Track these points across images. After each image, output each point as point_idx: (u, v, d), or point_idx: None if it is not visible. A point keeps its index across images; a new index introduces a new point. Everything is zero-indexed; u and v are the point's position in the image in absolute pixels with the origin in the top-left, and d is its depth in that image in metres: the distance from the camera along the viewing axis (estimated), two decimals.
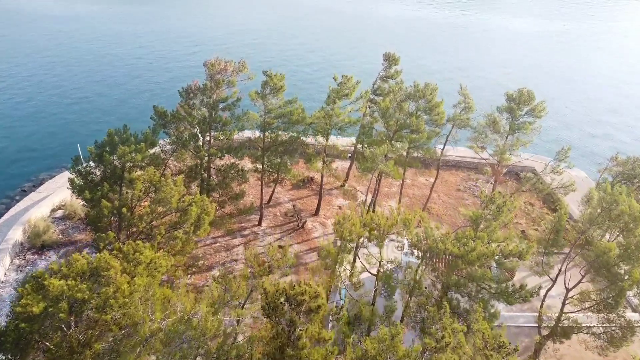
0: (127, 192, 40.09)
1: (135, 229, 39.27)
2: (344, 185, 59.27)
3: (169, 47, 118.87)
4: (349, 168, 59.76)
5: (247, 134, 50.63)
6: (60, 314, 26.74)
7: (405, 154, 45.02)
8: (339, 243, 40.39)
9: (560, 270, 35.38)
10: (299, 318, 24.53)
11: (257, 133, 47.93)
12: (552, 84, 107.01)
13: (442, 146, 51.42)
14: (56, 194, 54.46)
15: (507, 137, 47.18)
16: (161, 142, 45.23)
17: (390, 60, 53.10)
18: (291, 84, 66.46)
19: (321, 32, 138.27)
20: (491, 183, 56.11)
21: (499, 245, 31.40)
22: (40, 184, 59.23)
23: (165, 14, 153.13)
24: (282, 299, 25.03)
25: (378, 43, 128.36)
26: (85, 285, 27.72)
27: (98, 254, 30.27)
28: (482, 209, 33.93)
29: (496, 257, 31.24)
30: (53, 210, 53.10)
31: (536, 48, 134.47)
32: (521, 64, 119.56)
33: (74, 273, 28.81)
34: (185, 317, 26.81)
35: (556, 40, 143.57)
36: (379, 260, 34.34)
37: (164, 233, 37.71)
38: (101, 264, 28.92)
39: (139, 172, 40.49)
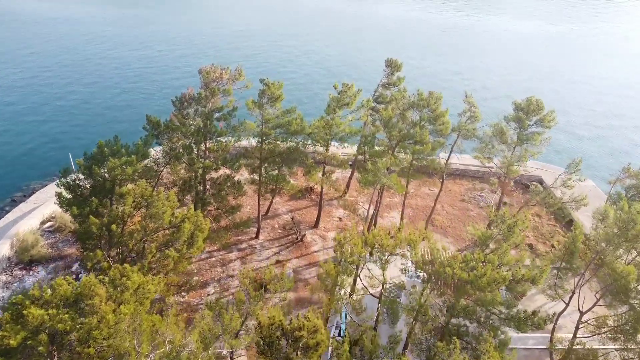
0: (117, 208, 38.26)
1: (125, 247, 37.42)
2: (345, 195, 57.35)
3: (166, 51, 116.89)
4: (350, 178, 57.85)
5: (244, 142, 48.71)
6: (40, 347, 24.92)
7: (408, 165, 43.05)
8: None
9: (573, 292, 33.43)
10: (297, 355, 22.64)
11: (254, 142, 46.09)
12: (555, 87, 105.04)
13: (446, 156, 49.49)
14: (46, 205, 52.54)
15: (514, 148, 45.24)
16: (154, 152, 43.31)
17: (392, 66, 51.21)
18: (289, 91, 64.48)
19: (321, 36, 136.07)
20: (496, 193, 54.17)
21: (509, 269, 29.50)
22: (31, 194, 57.35)
23: (164, 16, 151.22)
24: (278, 334, 23.17)
25: (379, 46, 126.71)
26: (67, 315, 25.92)
27: (84, 277, 28.56)
28: (491, 227, 32.01)
29: None
30: (43, 223, 51.19)
31: (539, 51, 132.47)
32: (524, 67, 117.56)
33: (57, 299, 27.05)
34: (174, 352, 24.89)
35: (559, 43, 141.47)
36: (382, 282, 32.44)
37: (155, 252, 35.84)
38: (85, 291, 27.13)
39: (130, 186, 38.58)
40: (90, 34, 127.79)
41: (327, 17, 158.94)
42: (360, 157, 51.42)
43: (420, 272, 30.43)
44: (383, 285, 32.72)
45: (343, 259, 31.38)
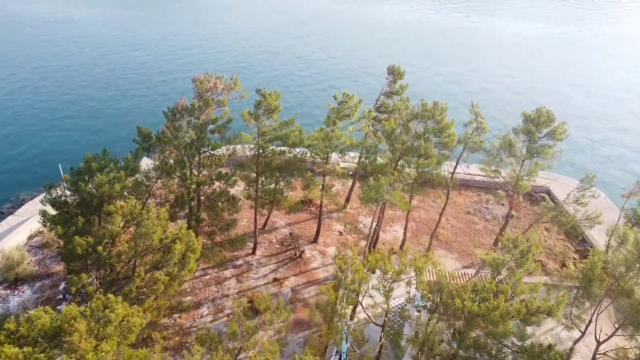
0: (104, 227, 36.18)
1: (112, 269, 35.34)
2: (345, 207, 55.19)
3: (163, 56, 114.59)
4: (351, 189, 55.70)
5: (239, 152, 46.54)
6: None
7: (412, 181, 40.87)
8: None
9: (590, 320, 31.28)
10: None
11: (250, 149, 43.86)
12: (559, 91, 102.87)
13: (451, 168, 47.27)
14: (35, 219, 50.27)
15: (523, 161, 43.08)
16: (145, 165, 41.17)
17: (395, 74, 49.11)
18: (286, 99, 62.23)
19: (319, 40, 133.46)
20: (503, 206, 52.01)
21: (523, 300, 27.38)
22: (20, 205, 55.27)
23: (159, 21, 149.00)
24: None
25: (379, 50, 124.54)
26: (43, 355, 23.89)
27: (65, 307, 26.53)
28: (498, 244, 29.89)
29: None
30: (30, 237, 49.08)
31: (543, 53, 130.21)
32: (528, 70, 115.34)
33: (34, 333, 25.06)
34: None
35: (563, 45, 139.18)
36: (386, 310, 30.30)
37: (144, 275, 33.75)
38: (64, 326, 25.10)
39: (118, 204, 36.43)
40: (83, 39, 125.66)
41: (326, 20, 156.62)
42: (361, 170, 49.17)
43: (426, 301, 28.30)
44: (386, 314, 30.61)
45: (343, 287, 29.23)
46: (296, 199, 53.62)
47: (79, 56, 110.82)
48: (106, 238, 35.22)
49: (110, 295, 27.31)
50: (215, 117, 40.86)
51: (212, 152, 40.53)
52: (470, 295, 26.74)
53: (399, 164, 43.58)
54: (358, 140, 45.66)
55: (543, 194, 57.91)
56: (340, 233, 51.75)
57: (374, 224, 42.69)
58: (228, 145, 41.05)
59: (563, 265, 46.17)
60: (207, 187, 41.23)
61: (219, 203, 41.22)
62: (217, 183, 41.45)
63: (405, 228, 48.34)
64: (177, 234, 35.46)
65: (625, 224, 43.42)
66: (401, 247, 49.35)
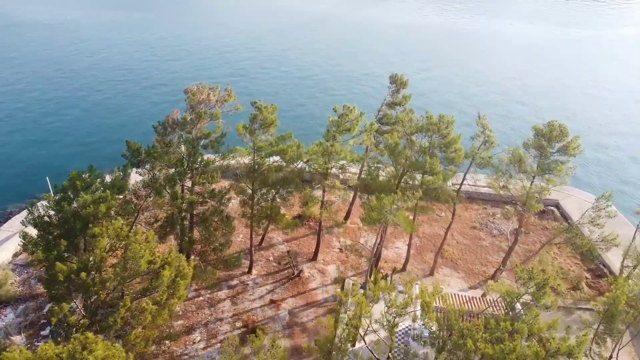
0: (88, 252, 33.98)
1: (97, 297, 33.02)
2: (346, 222, 52.85)
3: (158, 63, 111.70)
4: (351, 203, 53.34)
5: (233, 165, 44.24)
6: None
7: (417, 201, 38.51)
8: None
9: (610, 357, 28.99)
10: None
11: (244, 163, 41.71)
12: (566, 96, 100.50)
13: (457, 181, 45.06)
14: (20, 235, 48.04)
15: (534, 178, 40.75)
16: (134, 182, 38.89)
17: (397, 83, 46.79)
18: (283, 110, 60.09)
19: (318, 45, 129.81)
20: (510, 222, 49.67)
21: (541, 339, 25.10)
22: (7, 219, 52.98)
23: (153, 26, 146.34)
24: None
25: (380, 55, 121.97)
26: None
27: (40, 346, 24.42)
28: (515, 280, 27.60)
29: None
30: (15, 255, 46.79)
31: (548, 57, 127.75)
32: (533, 75, 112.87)
33: None
34: None
35: (568, 48, 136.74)
36: (390, 346, 28.04)
37: (129, 304, 31.45)
38: None
39: (104, 225, 34.11)
40: (85, 43, 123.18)
41: (326, 25, 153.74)
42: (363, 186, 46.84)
43: (434, 339, 26.01)
44: (390, 350, 28.35)
45: (344, 323, 26.95)
46: (293, 214, 51.56)
47: (71, 63, 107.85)
48: (91, 263, 33.03)
49: (89, 335, 25.15)
50: (208, 132, 38.56)
51: (205, 169, 38.20)
52: (483, 335, 24.45)
53: (402, 180, 41.37)
54: (359, 155, 43.36)
55: (552, 208, 55.61)
56: (341, 250, 49.43)
57: (377, 243, 40.35)
58: (222, 162, 38.72)
59: (577, 289, 43.87)
60: (199, 205, 38.91)
61: (212, 222, 38.92)
62: (210, 201, 39.15)
63: (409, 247, 46.00)
64: (167, 257, 33.21)
65: None
66: (404, 265, 47.08)
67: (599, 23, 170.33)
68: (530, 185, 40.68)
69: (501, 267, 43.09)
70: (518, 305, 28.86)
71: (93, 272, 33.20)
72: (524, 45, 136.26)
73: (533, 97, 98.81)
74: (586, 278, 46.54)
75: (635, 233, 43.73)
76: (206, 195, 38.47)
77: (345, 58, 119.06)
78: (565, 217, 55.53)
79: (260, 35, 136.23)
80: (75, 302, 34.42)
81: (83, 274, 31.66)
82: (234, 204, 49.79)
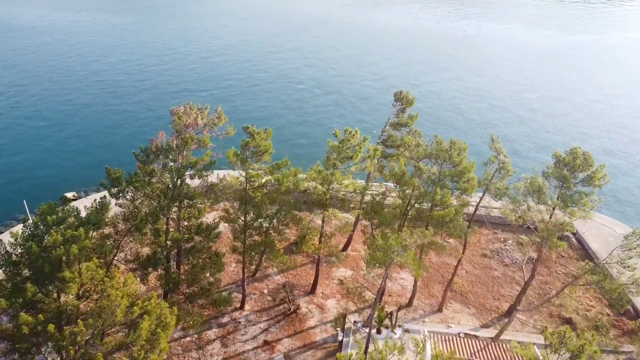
0: (57, 300, 30.26)
1: (66, 353, 29.31)
2: (346, 250, 49.12)
3: (152, 72, 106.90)
4: (353, 229, 49.38)
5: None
6: None
7: (428, 241, 34.70)
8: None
9: None
10: None
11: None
12: (570, 104, 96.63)
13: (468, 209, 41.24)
14: None
15: (554, 209, 37.10)
16: (113, 213, 35.12)
17: (403, 101, 43.08)
18: (278, 130, 56.55)
19: (316, 54, 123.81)
20: (525, 252, 45.97)
21: None
22: None
23: (154, 28, 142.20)
24: None
25: (380, 64, 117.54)
26: None
27: None
28: (548, 350, 23.89)
29: None
30: None
31: (550, 62, 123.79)
32: (544, 82, 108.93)
33: None
34: None
35: (574, 54, 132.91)
36: None
37: None
38: None
39: (76, 268, 30.42)
40: (74, 50, 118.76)
41: (324, 29, 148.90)
42: (366, 221, 43.00)
43: None
44: None
45: None
46: (290, 239, 47.85)
47: (55, 76, 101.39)
48: (61, 313, 29.48)
49: None
50: (195, 159, 34.81)
51: (192, 202, 34.45)
52: None
53: (409, 212, 37.70)
54: (361, 183, 39.68)
55: (567, 233, 51.87)
56: (341, 281, 45.69)
57: (383, 283, 36.52)
58: (209, 193, 35.01)
59: (597, 329, 40.26)
60: (185, 242, 35.16)
61: (199, 260, 35.18)
62: (197, 237, 35.41)
63: (416, 280, 42.28)
64: (146, 305, 29.51)
65: None
66: (410, 300, 43.39)
67: (605, 26, 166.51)
68: (550, 218, 37.00)
69: (518, 308, 39.37)
70: None
71: (63, 323, 29.66)
72: (528, 51, 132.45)
73: (542, 105, 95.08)
74: (607, 315, 42.91)
75: None
76: (193, 230, 34.74)
77: (345, 64, 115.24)
78: (581, 243, 51.89)
79: (252, 44, 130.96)
80: (45, 356, 30.85)
81: (51, 327, 28.03)
82: (226, 229, 46.23)
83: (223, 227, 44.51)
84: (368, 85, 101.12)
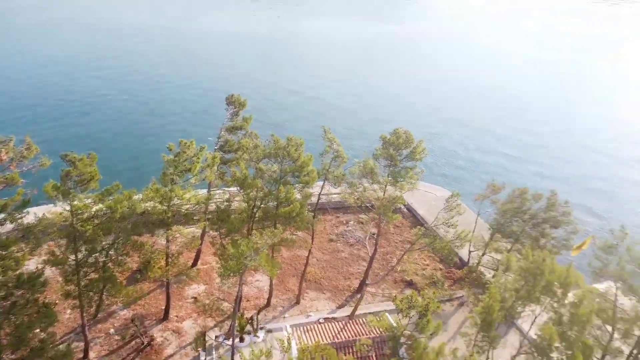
0: None
1: None
2: (196, 264, 46.48)
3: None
4: (201, 242, 46.39)
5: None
6: None
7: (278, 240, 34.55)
8: None
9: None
10: None
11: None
12: (382, 96, 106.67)
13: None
14: None
15: (386, 187, 40.24)
16: None
17: (235, 104, 42.08)
18: (105, 147, 51.23)
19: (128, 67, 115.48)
20: (365, 227, 49.28)
21: None
22: None
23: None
24: None
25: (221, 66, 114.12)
26: None
27: None
28: (400, 315, 25.77)
29: None
30: None
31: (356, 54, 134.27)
32: (354, 76, 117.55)
33: None
34: None
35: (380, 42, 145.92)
36: None
37: None
38: None
39: None
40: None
41: (141, 40, 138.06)
42: (214, 232, 41.09)
43: None
44: None
45: None
46: (132, 267, 43.41)
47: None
48: None
49: None
50: (5, 201, 28.79)
51: (6, 252, 28.53)
52: None
53: (256, 214, 37.20)
54: (204, 194, 37.71)
55: (400, 206, 57.01)
56: (195, 299, 43.15)
57: (239, 291, 35.36)
58: (27, 237, 29.45)
59: (434, 284, 45.47)
60: (2, 300, 29.09)
61: (24, 318, 29.48)
62: (17, 291, 29.57)
63: (271, 280, 42.07)
64: None
65: (490, 231, 44.01)
66: (268, 300, 43.13)
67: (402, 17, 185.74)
68: (384, 195, 40.09)
69: (367, 282, 42.04)
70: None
71: None
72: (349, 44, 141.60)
73: (363, 92, 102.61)
74: (440, 269, 48.59)
75: (477, 218, 46.86)
76: (11, 285, 28.88)
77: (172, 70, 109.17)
78: (411, 211, 57.62)
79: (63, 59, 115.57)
80: None
81: None
82: (54, 273, 39.92)
83: (50, 271, 38.37)
84: (197, 94, 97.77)
